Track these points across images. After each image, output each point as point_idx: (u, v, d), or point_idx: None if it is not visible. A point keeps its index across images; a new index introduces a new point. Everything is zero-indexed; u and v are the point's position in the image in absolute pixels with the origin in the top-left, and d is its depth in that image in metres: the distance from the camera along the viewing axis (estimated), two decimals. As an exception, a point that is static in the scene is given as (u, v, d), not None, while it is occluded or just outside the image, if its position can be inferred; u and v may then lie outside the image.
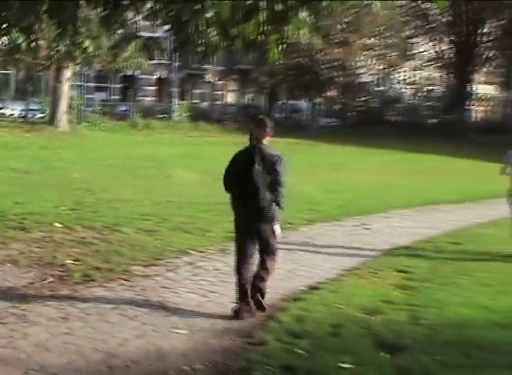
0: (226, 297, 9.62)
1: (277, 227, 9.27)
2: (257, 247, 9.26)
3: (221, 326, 8.36)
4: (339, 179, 28.85)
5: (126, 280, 10.24)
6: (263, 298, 9.08)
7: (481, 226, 17.88)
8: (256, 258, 9.30)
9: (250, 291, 8.99)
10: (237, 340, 7.92)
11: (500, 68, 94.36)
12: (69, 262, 11.24)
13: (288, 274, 11.20)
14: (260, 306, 9.02)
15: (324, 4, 7.04)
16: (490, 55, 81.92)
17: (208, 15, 8.63)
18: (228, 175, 9.42)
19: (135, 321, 8.40)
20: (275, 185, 9.11)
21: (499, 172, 14.65)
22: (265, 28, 7.50)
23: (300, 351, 7.51)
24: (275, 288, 10.17)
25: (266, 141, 9.39)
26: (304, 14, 7.28)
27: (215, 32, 8.23)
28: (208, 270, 11.18)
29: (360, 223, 17.05)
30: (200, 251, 12.52)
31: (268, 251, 9.22)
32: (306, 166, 33.93)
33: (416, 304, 9.62)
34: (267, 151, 9.28)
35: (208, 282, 10.44)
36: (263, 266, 9.20)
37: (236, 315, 8.82)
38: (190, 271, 11.07)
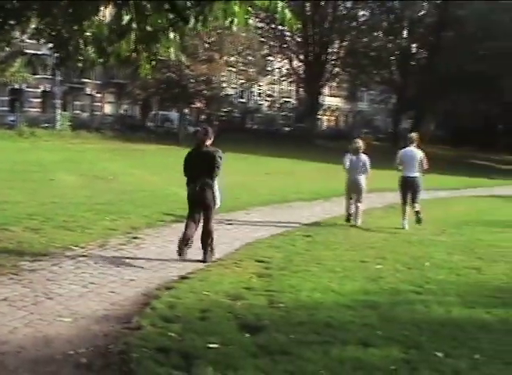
0: (105, 287, 9.54)
1: (218, 200, 12.23)
2: (201, 215, 12.21)
3: (101, 314, 8.26)
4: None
5: (14, 274, 9.98)
6: (212, 252, 12.04)
7: (329, 220, 18.19)
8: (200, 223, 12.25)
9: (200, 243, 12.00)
10: (116, 325, 7.84)
11: (344, 83, 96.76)
12: (-39, 259, 10.92)
13: (161, 266, 11.16)
14: (208, 256, 11.91)
15: (189, 26, 7.04)
16: (336, 71, 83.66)
17: (87, 34, 8.53)
18: (186, 165, 12.53)
19: (23, 311, 8.21)
20: (215, 171, 12.01)
21: (343, 168, 17.82)
22: (137, 46, 7.48)
23: (172, 334, 7.49)
24: (149, 279, 10.16)
25: (209, 143, 12.18)
26: (171, 34, 7.27)
27: (93, 49, 8.15)
28: (89, 264, 11.01)
29: (224, 219, 17.09)
30: (82, 247, 12.31)
31: (209, 217, 12.14)
32: (172, 169, 33.87)
33: (273, 289, 9.69)
34: (210, 150, 12.10)
35: (88, 274, 10.28)
36: (206, 228, 12.10)
37: (203, 261, 11.71)
38: (72, 265, 10.87)
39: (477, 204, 27.45)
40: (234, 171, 35.70)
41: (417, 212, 17.71)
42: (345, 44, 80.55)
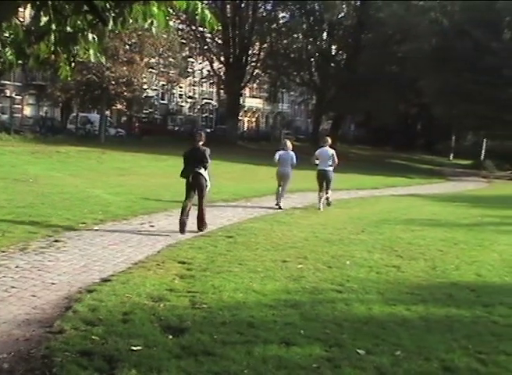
0: (27, 291, 9.39)
1: (208, 184, 16.22)
2: (196, 197, 16.11)
3: (23, 318, 8.14)
4: (125, 182, 28.74)
5: None
6: (205, 225, 16.24)
7: (251, 221, 18.26)
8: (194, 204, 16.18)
9: (197, 221, 16.10)
10: (38, 330, 7.74)
11: (265, 84, 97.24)
12: None
13: (83, 269, 11.04)
14: (203, 228, 16.15)
15: (108, 27, 6.98)
16: (257, 72, 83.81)
17: (5, 35, 8.40)
18: (184, 160, 16.28)
19: None
20: (205, 163, 16.04)
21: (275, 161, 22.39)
22: (56, 48, 7.38)
23: (95, 337, 7.42)
24: (71, 282, 10.05)
25: (201, 143, 16.32)
26: (90, 36, 7.20)
27: (11, 51, 8.02)
28: (10, 268, 10.82)
29: (145, 221, 17.02)
30: (2, 251, 12.10)
31: (202, 196, 16.11)
32: (96, 172, 33.67)
33: (196, 291, 9.70)
34: (202, 148, 16.18)
35: (9, 278, 10.11)
36: (200, 206, 16.12)
37: (200, 230, 16.02)
38: (-8, 269, 10.70)
39: (396, 203, 27.88)
40: (155, 173, 35.71)
41: (327, 198, 23.15)
42: (265, 45, 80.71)
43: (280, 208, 21.84)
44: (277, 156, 22.34)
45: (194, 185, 16.01)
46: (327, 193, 22.90)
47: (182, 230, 15.50)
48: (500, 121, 62.82)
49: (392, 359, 7.28)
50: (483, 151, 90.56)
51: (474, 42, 59.60)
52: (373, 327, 8.45)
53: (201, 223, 16.13)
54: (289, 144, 22.86)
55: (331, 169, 22.81)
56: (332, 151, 22.72)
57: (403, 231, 17.84)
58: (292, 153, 22.47)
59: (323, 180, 22.71)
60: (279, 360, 7.01)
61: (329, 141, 23.52)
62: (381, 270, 12.21)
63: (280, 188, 22.49)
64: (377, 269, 12.32)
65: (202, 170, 16.01)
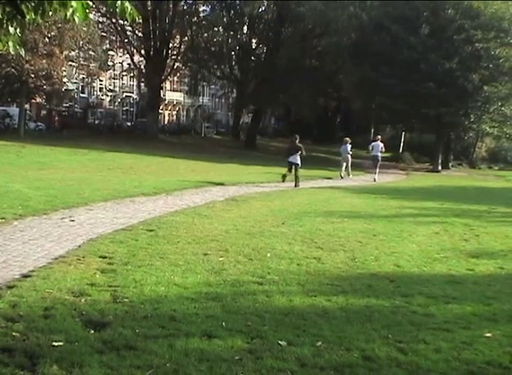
0: None
1: (300, 164, 32.71)
2: (293, 170, 32.62)
3: None
4: (45, 176, 28.36)
5: None
6: (299, 185, 32.18)
7: (172, 215, 18.20)
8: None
9: (294, 180, 32.35)
10: (-44, 327, 7.60)
11: (186, 77, 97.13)
12: None
13: (3, 265, 10.85)
14: (297, 185, 32.04)
15: (27, 19, 6.87)
16: (177, 66, 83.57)
17: None
18: (287, 150, 34.72)
19: None
20: (298, 152, 32.81)
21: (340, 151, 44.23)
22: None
23: (15, 333, 7.31)
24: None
25: (297, 141, 33.46)
26: (11, 28, 7.07)
27: None
28: None
29: (66, 215, 16.80)
30: None
31: (296, 170, 32.46)
32: (15, 166, 33.17)
33: (117, 285, 9.63)
34: (298, 144, 33.22)
35: None
36: (296, 175, 32.28)
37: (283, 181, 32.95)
38: None
39: (316, 195, 28.06)
40: (75, 167, 35.37)
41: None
42: (186, 39, 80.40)
43: (344, 176, 42.58)
44: (341, 148, 43.03)
45: (291, 165, 32.08)
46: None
47: (283, 181, 31.77)
48: (417, 115, 64.03)
49: (314, 350, 7.35)
50: (401, 144, 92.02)
51: (393, 37, 60.44)
52: (294, 319, 8.52)
53: (296, 184, 31.45)
54: (347, 139, 42.71)
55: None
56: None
57: (323, 223, 18.01)
58: (345, 146, 42.27)
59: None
60: (201, 353, 7.02)
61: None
62: (301, 262, 12.31)
63: (344, 169, 42.84)
64: (297, 260, 12.42)
65: (295, 156, 32.17)
